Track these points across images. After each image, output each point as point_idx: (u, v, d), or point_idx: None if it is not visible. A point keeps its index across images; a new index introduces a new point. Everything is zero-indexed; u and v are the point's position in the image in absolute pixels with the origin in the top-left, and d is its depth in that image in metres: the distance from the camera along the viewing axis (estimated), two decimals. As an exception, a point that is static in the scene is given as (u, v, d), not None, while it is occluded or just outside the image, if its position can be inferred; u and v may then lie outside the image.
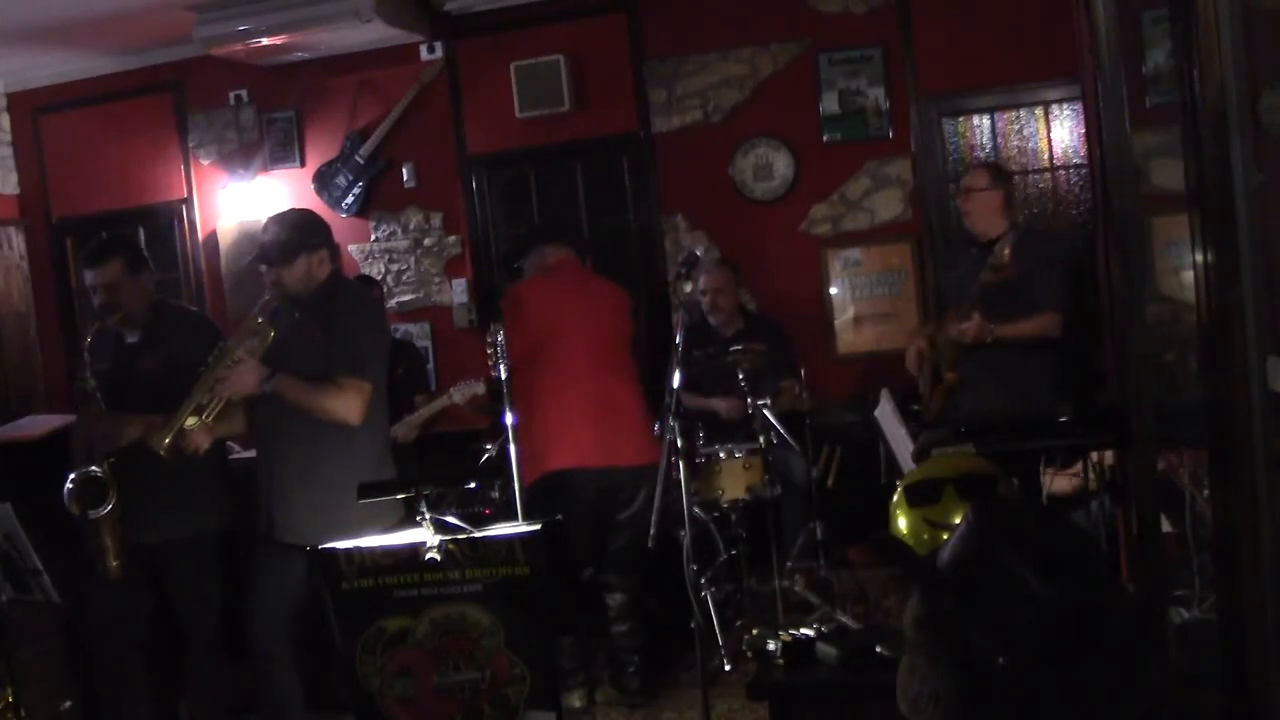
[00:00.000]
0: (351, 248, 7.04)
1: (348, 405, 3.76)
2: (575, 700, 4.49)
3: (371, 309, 4.23)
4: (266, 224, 4.00)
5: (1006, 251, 4.51)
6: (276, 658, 3.89)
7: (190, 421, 3.74)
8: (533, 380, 4.48)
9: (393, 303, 6.94)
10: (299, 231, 3.90)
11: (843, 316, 6.34)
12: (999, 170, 5.11)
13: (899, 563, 3.49)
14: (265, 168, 7.13)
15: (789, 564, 5.34)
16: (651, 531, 3.78)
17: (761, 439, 5.09)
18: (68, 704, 4.54)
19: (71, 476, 3.87)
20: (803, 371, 5.55)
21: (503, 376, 4.10)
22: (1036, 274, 4.68)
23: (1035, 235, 5.05)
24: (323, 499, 3.79)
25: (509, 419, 4.14)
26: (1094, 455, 3.41)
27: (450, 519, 3.19)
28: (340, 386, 3.76)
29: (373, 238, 7.01)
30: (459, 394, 5.36)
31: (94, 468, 3.85)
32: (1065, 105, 5.99)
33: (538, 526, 3.13)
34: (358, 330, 3.89)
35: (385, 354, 4.03)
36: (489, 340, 4.14)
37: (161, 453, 3.72)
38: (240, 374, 3.75)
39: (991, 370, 4.69)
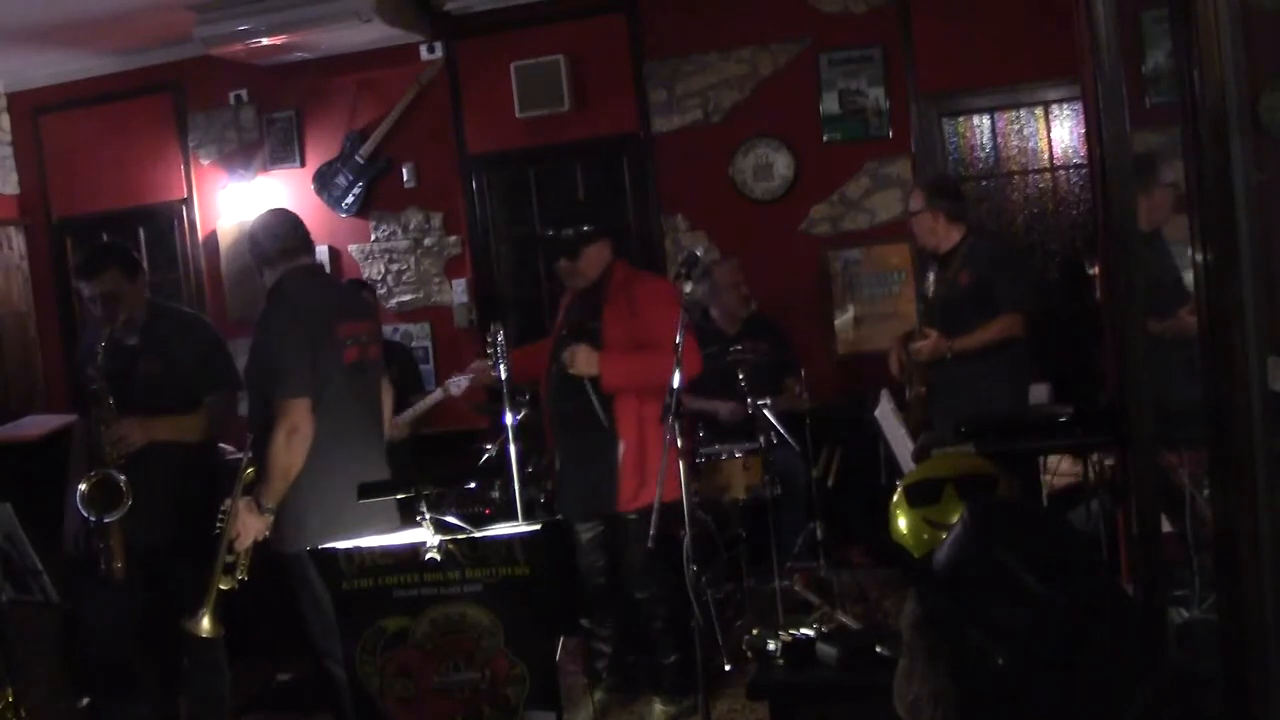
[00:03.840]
0: (351, 248, 7.05)
1: (288, 432, 3.72)
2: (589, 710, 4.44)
3: (292, 309, 3.88)
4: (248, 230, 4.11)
5: (966, 276, 4.66)
6: (336, 657, 3.88)
7: (226, 585, 3.76)
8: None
9: (393, 303, 6.95)
10: (265, 235, 3.96)
11: (843, 316, 6.34)
12: (934, 188, 5.08)
13: (898, 564, 3.49)
14: (265, 168, 7.14)
15: (789, 564, 5.34)
16: (651, 532, 3.78)
17: (761, 439, 5.09)
18: (68, 704, 4.54)
19: (88, 478, 3.86)
20: (803, 371, 5.56)
21: (503, 376, 4.10)
22: (990, 279, 4.71)
23: (984, 241, 5.08)
24: (301, 506, 3.81)
25: (509, 419, 4.13)
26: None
27: (450, 519, 3.19)
28: (275, 423, 3.74)
29: (373, 238, 7.01)
30: (455, 387, 5.35)
31: (117, 472, 3.85)
32: (1065, 105, 5.99)
33: (538, 526, 3.13)
34: (272, 340, 3.83)
35: (320, 349, 3.84)
36: (489, 340, 4.14)
37: (203, 635, 3.74)
38: (244, 523, 3.76)
39: (955, 379, 4.72)
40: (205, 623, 3.74)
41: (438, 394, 5.52)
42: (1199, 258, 2.27)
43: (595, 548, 4.48)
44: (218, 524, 3.75)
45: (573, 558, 4.42)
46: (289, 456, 3.73)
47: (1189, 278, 4.16)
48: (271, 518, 3.77)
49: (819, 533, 5.38)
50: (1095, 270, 4.55)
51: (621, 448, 4.26)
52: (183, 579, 4.07)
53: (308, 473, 3.77)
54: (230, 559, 3.76)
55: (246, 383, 4.01)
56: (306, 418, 3.74)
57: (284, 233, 3.96)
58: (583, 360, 4.23)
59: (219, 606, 3.77)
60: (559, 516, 4.49)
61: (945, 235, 4.94)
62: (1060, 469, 4.04)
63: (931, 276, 5.04)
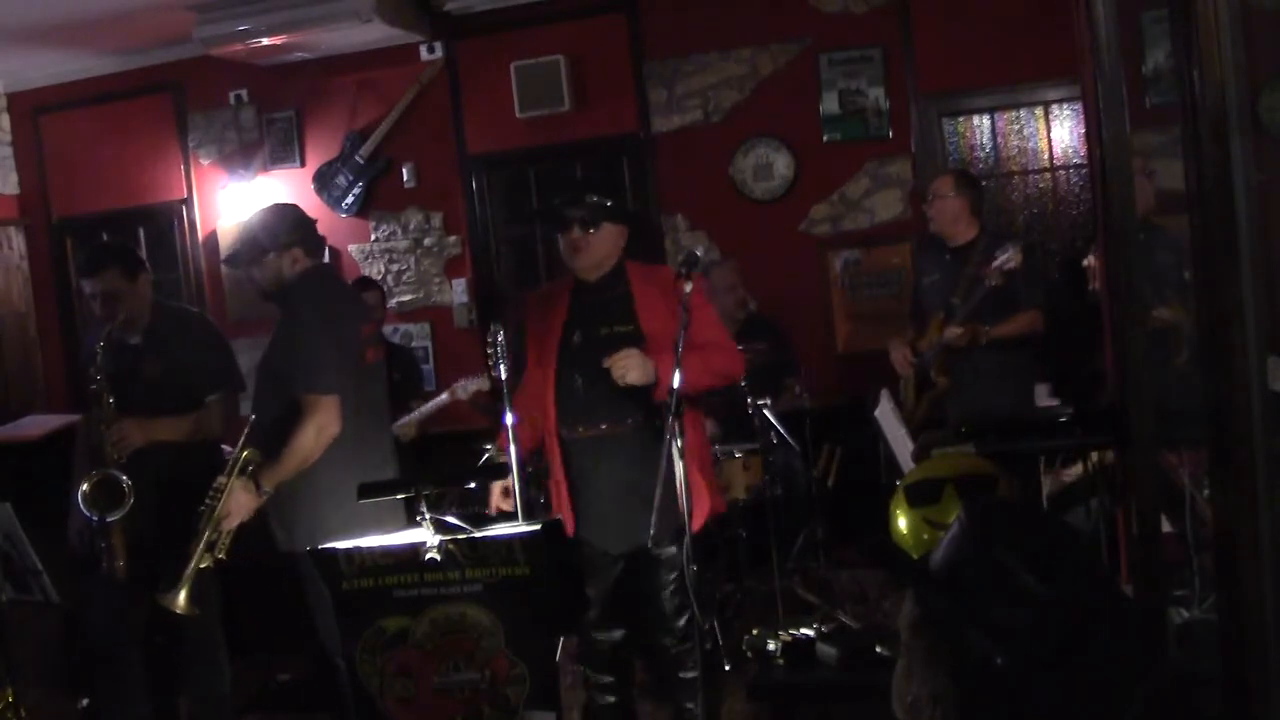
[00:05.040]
0: (351, 248, 7.05)
1: (316, 427, 3.71)
2: None
3: (322, 307, 3.87)
4: (243, 223, 4.04)
5: (1018, 258, 4.61)
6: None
7: (205, 562, 3.73)
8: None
9: (393, 303, 6.94)
10: (266, 229, 3.90)
11: (843, 316, 6.34)
12: (964, 177, 5.20)
13: (898, 564, 3.49)
14: (265, 168, 7.14)
15: (789, 564, 5.34)
16: (651, 532, 3.77)
17: (761, 439, 5.09)
18: (68, 704, 4.54)
19: (89, 478, 3.86)
20: (803, 371, 5.56)
21: (503, 376, 4.09)
22: (1016, 274, 4.73)
23: (1000, 240, 5.11)
24: (311, 504, 3.80)
25: (509, 419, 4.12)
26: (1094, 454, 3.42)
27: (450, 519, 3.19)
28: (304, 416, 3.72)
29: (373, 238, 7.01)
30: (461, 390, 5.35)
31: (118, 472, 3.85)
32: (1065, 105, 5.99)
33: (538, 526, 3.13)
34: (311, 337, 3.80)
35: (348, 348, 3.87)
36: (489, 340, 4.12)
37: (179, 611, 3.69)
38: (237, 502, 3.73)
39: (978, 373, 4.75)
40: (182, 599, 3.69)
41: (444, 397, 5.50)
42: (1199, 258, 2.27)
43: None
44: (206, 501, 3.72)
45: (572, 558, 4.38)
46: (314, 450, 3.74)
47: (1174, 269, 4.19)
48: (264, 500, 3.76)
49: (819, 533, 5.37)
50: (1088, 262, 4.57)
51: (684, 461, 3.58)
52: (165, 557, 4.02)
53: (323, 471, 3.77)
54: (213, 537, 3.74)
55: (263, 371, 3.98)
56: (337, 415, 3.75)
57: (284, 230, 3.92)
58: (638, 367, 3.62)
59: (196, 586, 3.72)
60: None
61: (966, 227, 4.98)
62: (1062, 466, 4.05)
63: (939, 272, 5.05)
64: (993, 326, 4.78)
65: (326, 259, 4.70)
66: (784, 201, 6.37)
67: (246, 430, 3.76)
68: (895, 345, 5.17)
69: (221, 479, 3.74)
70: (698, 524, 3.63)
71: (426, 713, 3.17)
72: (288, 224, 3.92)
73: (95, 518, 3.84)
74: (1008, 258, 4.65)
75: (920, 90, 6.15)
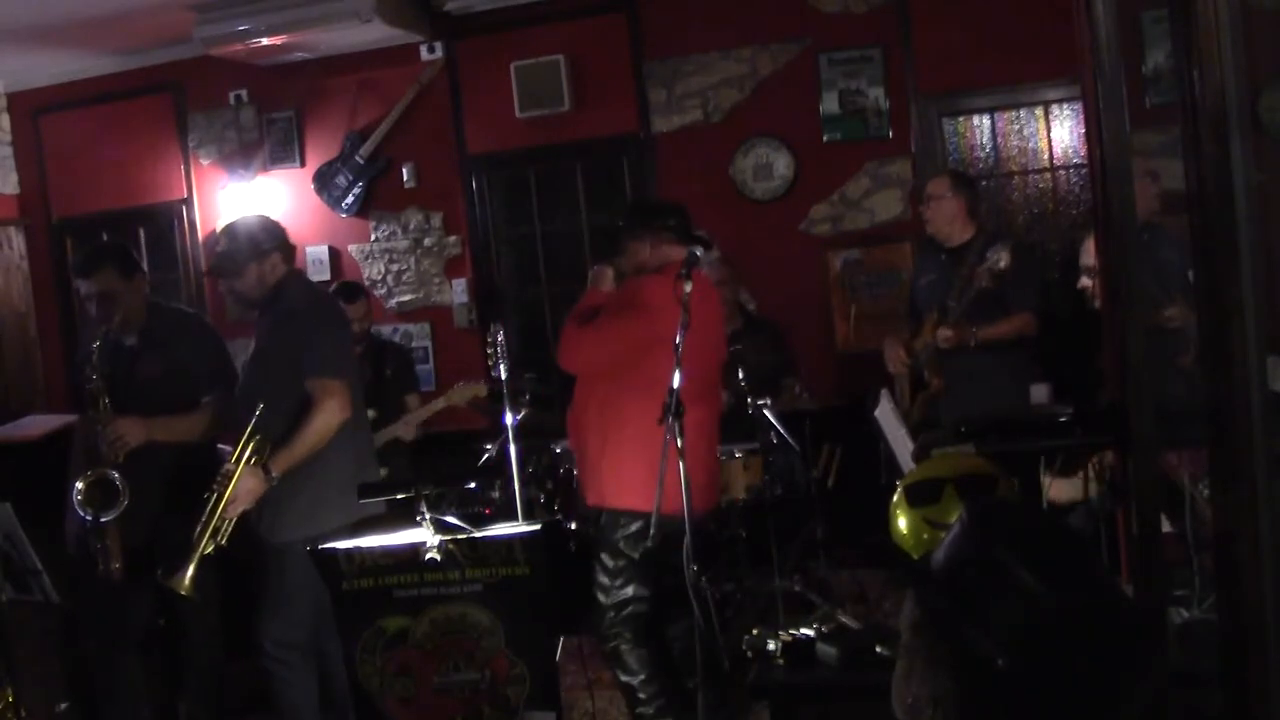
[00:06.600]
0: (351, 248, 7.05)
1: (331, 410, 3.80)
2: None
3: (317, 305, 4.10)
4: (218, 236, 4.12)
5: (1006, 259, 4.59)
6: (286, 662, 3.89)
7: (208, 548, 3.76)
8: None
9: (393, 303, 6.95)
10: (247, 240, 3.96)
11: (843, 316, 6.33)
12: (960, 177, 5.20)
13: (898, 564, 3.49)
14: (265, 168, 7.14)
15: (789, 564, 5.33)
16: (651, 531, 3.77)
17: (761, 439, 5.08)
18: (66, 704, 4.54)
19: (84, 478, 3.86)
20: (802, 371, 5.55)
21: (503, 376, 4.10)
22: (1010, 277, 4.74)
23: (998, 242, 5.11)
24: (308, 497, 3.83)
25: (509, 419, 4.13)
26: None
27: (450, 519, 3.19)
28: (316, 401, 3.79)
29: (373, 238, 7.01)
30: (459, 395, 5.34)
31: (113, 472, 3.85)
32: (1065, 105, 5.99)
33: (538, 526, 3.14)
34: (311, 330, 3.91)
35: (345, 348, 4.07)
36: (489, 340, 4.13)
37: (183, 592, 3.72)
38: (245, 487, 3.77)
39: (971, 375, 4.75)
40: (188, 580, 3.73)
41: (440, 401, 5.50)
42: (1199, 258, 2.27)
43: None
44: (213, 487, 3.75)
45: (572, 557, 4.40)
46: (325, 434, 3.80)
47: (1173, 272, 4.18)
48: (271, 485, 3.79)
49: (819, 533, 5.37)
50: (1083, 283, 4.55)
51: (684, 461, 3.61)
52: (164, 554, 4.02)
53: (315, 460, 3.81)
54: (219, 524, 3.76)
55: (253, 367, 4.01)
56: (346, 400, 3.83)
57: (264, 238, 4.00)
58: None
59: (199, 572, 3.76)
60: None
61: (962, 228, 4.98)
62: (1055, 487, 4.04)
63: (935, 272, 5.05)
64: (982, 329, 4.77)
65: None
66: (784, 201, 6.37)
67: (255, 418, 3.78)
68: (890, 343, 5.17)
69: (228, 466, 3.77)
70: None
71: (426, 713, 3.18)
72: (266, 233, 4.01)
73: (90, 518, 3.84)
74: (996, 259, 4.65)
75: (920, 90, 6.14)
